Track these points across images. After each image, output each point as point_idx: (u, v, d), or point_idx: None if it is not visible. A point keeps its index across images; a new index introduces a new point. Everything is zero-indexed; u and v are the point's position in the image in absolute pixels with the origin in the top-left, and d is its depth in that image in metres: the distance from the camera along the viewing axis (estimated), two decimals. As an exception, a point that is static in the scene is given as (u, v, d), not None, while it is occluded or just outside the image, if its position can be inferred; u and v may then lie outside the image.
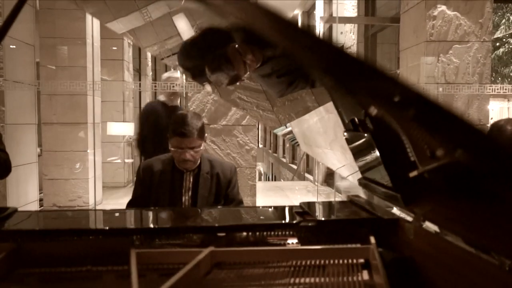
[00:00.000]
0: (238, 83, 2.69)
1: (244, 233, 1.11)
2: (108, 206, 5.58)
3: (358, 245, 1.08)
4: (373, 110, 1.06)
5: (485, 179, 0.71)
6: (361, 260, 1.05)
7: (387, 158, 1.14)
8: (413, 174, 1.06)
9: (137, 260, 0.97)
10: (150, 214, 1.35)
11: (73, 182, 5.36)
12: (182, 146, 1.62)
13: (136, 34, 2.78)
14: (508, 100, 6.74)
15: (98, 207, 5.67)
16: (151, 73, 9.53)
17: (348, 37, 6.60)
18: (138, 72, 8.98)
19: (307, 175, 9.78)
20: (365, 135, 1.20)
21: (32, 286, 0.96)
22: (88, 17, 5.39)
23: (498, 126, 1.69)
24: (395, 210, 1.19)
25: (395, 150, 1.09)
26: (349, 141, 1.36)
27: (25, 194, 3.87)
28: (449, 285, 0.91)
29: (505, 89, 4.20)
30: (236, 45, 1.64)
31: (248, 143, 3.63)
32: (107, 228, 1.10)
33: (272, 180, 15.21)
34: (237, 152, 3.62)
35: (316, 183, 7.75)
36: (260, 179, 16.71)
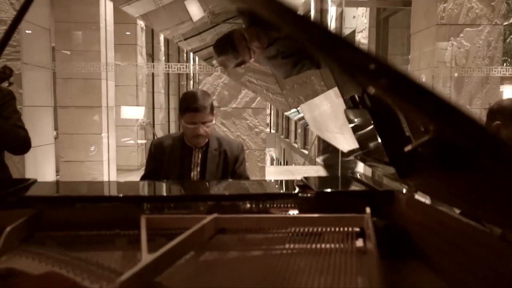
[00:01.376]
0: (247, 65, 2.75)
1: (247, 202, 1.18)
2: (122, 188, 5.72)
3: (353, 215, 1.14)
4: (368, 88, 1.12)
5: (472, 153, 0.76)
6: (357, 229, 1.12)
7: (384, 134, 1.19)
8: (408, 148, 1.12)
9: (147, 225, 1.05)
10: (160, 185, 1.43)
11: (88, 164, 5.51)
12: (195, 121, 1.70)
13: (149, 18, 2.85)
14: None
15: (112, 189, 5.81)
16: (163, 58, 9.61)
17: (360, 21, 6.56)
18: (151, 57, 9.07)
19: (318, 159, 9.83)
20: (364, 111, 1.25)
21: (52, 248, 1.04)
22: (102, 1, 5.47)
23: (503, 105, 1.76)
24: (393, 184, 1.25)
25: (392, 126, 1.14)
26: (349, 118, 1.41)
27: (43, 175, 4.01)
28: (439, 251, 0.98)
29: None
30: (242, 30, 1.68)
31: (257, 125, 3.70)
32: (120, 196, 1.19)
33: (284, 165, 15.28)
34: (247, 134, 3.69)
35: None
36: (272, 164, 16.80)
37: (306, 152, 11.20)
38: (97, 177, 5.41)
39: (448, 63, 3.73)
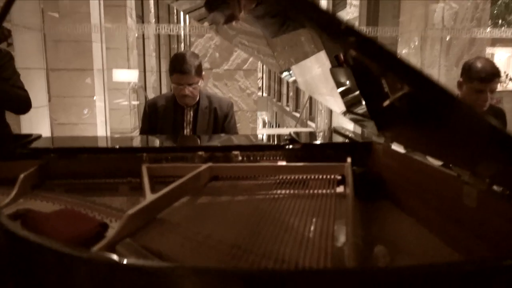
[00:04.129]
0: (235, 24, 2.79)
1: (239, 153, 1.29)
2: (116, 151, 5.80)
3: (335, 163, 1.25)
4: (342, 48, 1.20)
5: (434, 108, 0.86)
6: (338, 177, 1.23)
7: (365, 90, 1.29)
8: (386, 103, 1.22)
9: (148, 173, 1.16)
10: (158, 139, 1.53)
11: (82, 127, 5.56)
12: (182, 82, 1.79)
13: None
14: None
15: (106, 152, 5.89)
16: (154, 20, 9.47)
17: (352, -18, 6.50)
18: (141, 18, 8.93)
19: (309, 122, 9.94)
20: (347, 70, 1.34)
21: (61, 194, 1.15)
22: (89, -39, 5.35)
23: (469, 63, 1.89)
24: (370, 135, 1.36)
25: (371, 82, 1.24)
26: (334, 77, 1.51)
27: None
28: (408, 192, 1.10)
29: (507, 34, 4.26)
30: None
31: (249, 87, 3.77)
32: (122, 147, 1.29)
33: (276, 128, 15.38)
34: (239, 96, 3.76)
35: (318, 130, 7.92)
36: (264, 127, 16.90)
37: (297, 115, 11.29)
38: (91, 139, 5.47)
39: (437, 25, 3.78)
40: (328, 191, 1.15)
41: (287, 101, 13.58)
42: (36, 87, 4.06)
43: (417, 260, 0.80)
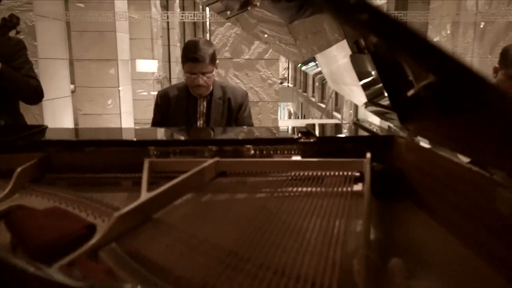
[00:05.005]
0: (256, 12, 2.69)
1: (249, 147, 1.21)
2: (140, 141, 5.83)
3: (353, 159, 1.15)
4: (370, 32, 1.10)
5: (465, 97, 0.75)
6: (357, 174, 1.13)
7: (387, 79, 1.18)
8: (410, 93, 1.11)
9: (150, 168, 1.09)
10: (165, 131, 1.46)
11: (106, 118, 5.60)
12: (195, 71, 1.70)
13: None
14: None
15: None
16: (178, 10, 9.45)
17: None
18: (166, 8, 8.92)
19: (335, 113, 9.76)
20: (367, 57, 1.23)
21: (62, 188, 1.09)
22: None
23: (506, 48, 1.77)
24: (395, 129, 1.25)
25: (394, 70, 1.13)
26: (354, 64, 1.39)
27: (61, 126, 4.11)
28: (433, 193, 0.99)
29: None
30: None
31: (270, 77, 3.66)
32: (126, 140, 1.22)
33: (302, 119, 15.23)
34: (260, 86, 3.66)
35: (344, 121, 7.75)
36: (290, 118, 16.76)
37: (323, 106, 11.10)
38: (114, 129, 5.51)
39: (470, 9, 3.57)
40: (344, 189, 1.05)
41: (313, 92, 13.38)
42: (59, 78, 4.08)
43: (441, 276, 0.70)
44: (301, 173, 1.13)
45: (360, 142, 1.25)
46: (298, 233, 0.78)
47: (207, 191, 1.04)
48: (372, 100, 1.39)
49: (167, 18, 7.46)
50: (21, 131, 1.31)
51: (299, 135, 1.26)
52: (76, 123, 5.42)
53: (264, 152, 1.25)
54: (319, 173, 1.13)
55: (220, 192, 1.04)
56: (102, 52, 5.34)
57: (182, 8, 10.10)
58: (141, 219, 0.80)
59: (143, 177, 0.99)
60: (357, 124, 1.43)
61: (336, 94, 9.70)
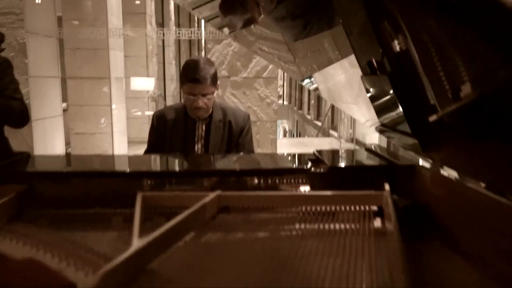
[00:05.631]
0: (254, 29, 2.60)
1: (254, 178, 1.09)
2: (134, 160, 5.70)
3: (371, 192, 1.03)
4: (395, 45, 1.00)
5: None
6: (374, 208, 1.01)
7: (405, 102, 1.07)
8: (432, 118, 1.00)
9: (144, 203, 0.96)
10: (161, 159, 1.34)
11: (99, 137, 5.47)
12: (195, 92, 1.59)
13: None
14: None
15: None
16: (174, 27, 9.41)
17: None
18: (161, 26, 8.88)
19: (331, 131, 9.69)
20: (382, 78, 1.13)
21: (43, 226, 0.97)
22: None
23: None
24: (412, 156, 1.14)
25: (414, 93, 1.02)
26: (366, 86, 1.29)
27: (52, 147, 3.97)
28: (467, 233, 0.87)
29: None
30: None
31: (269, 96, 3.57)
32: (118, 171, 1.10)
33: (297, 137, 15.17)
34: (258, 105, 3.56)
35: (341, 139, 7.67)
36: (285, 136, 16.69)
37: (319, 123, 11.04)
38: (107, 149, 5.38)
39: None
40: (363, 226, 0.94)
41: (308, 109, 13.34)
42: (50, 96, 3.96)
43: None
44: (313, 208, 1.01)
45: (376, 172, 1.13)
46: (316, 282, 0.66)
47: (208, 230, 0.92)
48: (385, 124, 1.28)
49: (163, 36, 7.41)
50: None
51: (309, 164, 1.14)
52: (67, 143, 5.28)
53: (270, 181, 1.14)
54: (333, 208, 1.01)
55: (223, 231, 0.92)
56: (95, 69, 5.24)
57: (178, 25, 10.08)
58: (132, 272, 0.67)
59: (135, 216, 0.86)
60: (369, 150, 1.32)
61: (332, 112, 9.65)
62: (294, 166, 1.17)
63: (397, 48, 1.05)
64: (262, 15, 1.51)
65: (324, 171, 1.12)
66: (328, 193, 1.02)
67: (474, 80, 0.84)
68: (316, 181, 1.14)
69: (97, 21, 5.18)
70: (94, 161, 1.34)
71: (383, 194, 1.00)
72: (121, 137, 5.81)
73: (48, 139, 3.89)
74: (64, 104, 5.40)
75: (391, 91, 1.10)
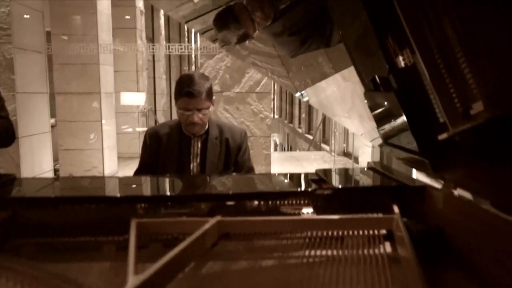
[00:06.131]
0: (248, 44, 2.54)
1: (255, 202, 1.02)
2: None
3: (380, 215, 0.98)
4: (402, 60, 0.95)
5: None
6: (383, 231, 0.96)
7: (413, 120, 1.03)
8: (442, 136, 0.96)
9: (139, 231, 0.89)
10: (155, 181, 1.27)
11: (88, 153, 5.37)
12: (190, 107, 1.53)
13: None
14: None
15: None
16: (164, 42, 9.39)
17: None
18: (152, 40, 8.85)
19: (323, 145, 9.68)
20: (388, 94, 1.08)
21: (28, 257, 0.89)
22: (99, -17, 5.26)
23: None
24: (422, 177, 1.09)
25: (422, 110, 0.98)
26: (370, 102, 1.24)
27: (40, 164, 3.86)
28: (486, 259, 0.82)
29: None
30: (244, 1, 1.51)
31: (262, 111, 3.52)
32: (107, 196, 1.03)
33: (288, 151, 15.14)
34: (251, 120, 3.51)
35: (333, 153, 7.64)
36: (276, 150, 16.67)
37: (310, 137, 11.03)
38: (97, 165, 5.28)
39: None
40: (374, 252, 0.88)
41: (299, 123, 13.35)
42: (38, 113, 3.87)
43: None
44: (320, 233, 0.95)
45: (384, 193, 1.07)
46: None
47: (209, 259, 0.85)
48: (390, 142, 1.23)
49: (153, 51, 7.37)
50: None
51: (313, 186, 1.08)
52: (56, 159, 5.17)
53: (271, 203, 1.07)
54: (340, 232, 0.95)
55: (225, 260, 0.85)
56: (85, 85, 5.16)
57: (168, 40, 10.06)
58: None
59: (130, 248, 0.79)
60: (373, 169, 1.27)
61: (324, 125, 9.65)
62: (298, 189, 1.11)
63: (404, 63, 1.01)
64: (257, 31, 1.47)
65: (329, 193, 1.06)
66: (335, 217, 0.96)
67: (488, 97, 0.80)
68: (320, 203, 1.08)
69: (86, 37, 5.12)
70: (83, 183, 1.26)
71: (393, 217, 0.95)
72: (111, 153, 5.70)
73: (36, 156, 3.79)
74: (53, 120, 5.30)
75: (398, 108, 1.05)
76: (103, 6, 5.45)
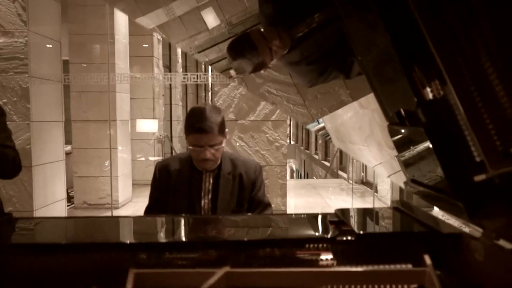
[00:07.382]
0: (263, 72, 2.47)
1: (268, 250, 0.92)
2: (138, 204, 5.54)
3: (410, 266, 0.86)
4: (432, 92, 0.86)
5: None
6: (414, 286, 0.84)
7: (445, 157, 0.92)
8: (479, 178, 0.85)
9: (137, 283, 0.80)
10: (158, 223, 1.17)
11: (103, 180, 5.34)
12: (201, 143, 1.44)
13: (165, 29, 2.67)
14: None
15: (128, 205, 5.64)
16: (181, 69, 9.48)
17: None
18: (168, 68, 8.94)
19: (340, 172, 9.51)
20: (416, 129, 0.98)
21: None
22: (117, 13, 5.34)
23: None
24: (456, 222, 0.97)
25: (455, 148, 0.88)
26: (394, 136, 1.14)
27: (53, 193, 3.82)
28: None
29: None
30: (262, 29, 1.44)
31: (278, 139, 3.43)
32: (104, 242, 0.94)
33: (304, 177, 14.96)
34: (266, 149, 3.42)
35: (350, 181, 7.47)
36: (292, 177, 16.49)
37: (327, 164, 10.87)
38: (112, 193, 5.23)
39: None
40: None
41: (316, 149, 13.21)
42: (52, 141, 3.86)
43: None
44: (341, 287, 0.84)
45: (412, 240, 0.96)
46: None
47: (214, 320, 0.75)
48: (418, 181, 1.12)
49: (170, 81, 7.42)
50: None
51: (333, 231, 0.98)
52: (70, 186, 5.14)
53: (285, 251, 0.97)
54: (365, 287, 0.84)
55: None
56: (101, 112, 5.18)
57: (185, 67, 10.17)
58: None
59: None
60: (398, 209, 1.15)
61: (341, 152, 9.50)
62: (317, 233, 1.00)
63: (433, 94, 0.91)
64: (274, 60, 1.40)
65: (351, 240, 0.95)
66: (358, 269, 0.85)
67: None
68: (340, 249, 0.97)
69: (104, 65, 5.17)
70: (79, 226, 1.17)
71: (425, 271, 0.83)
72: (125, 180, 5.66)
73: (49, 185, 3.75)
74: (68, 147, 5.31)
75: (427, 145, 0.95)
76: (121, 35, 5.53)
